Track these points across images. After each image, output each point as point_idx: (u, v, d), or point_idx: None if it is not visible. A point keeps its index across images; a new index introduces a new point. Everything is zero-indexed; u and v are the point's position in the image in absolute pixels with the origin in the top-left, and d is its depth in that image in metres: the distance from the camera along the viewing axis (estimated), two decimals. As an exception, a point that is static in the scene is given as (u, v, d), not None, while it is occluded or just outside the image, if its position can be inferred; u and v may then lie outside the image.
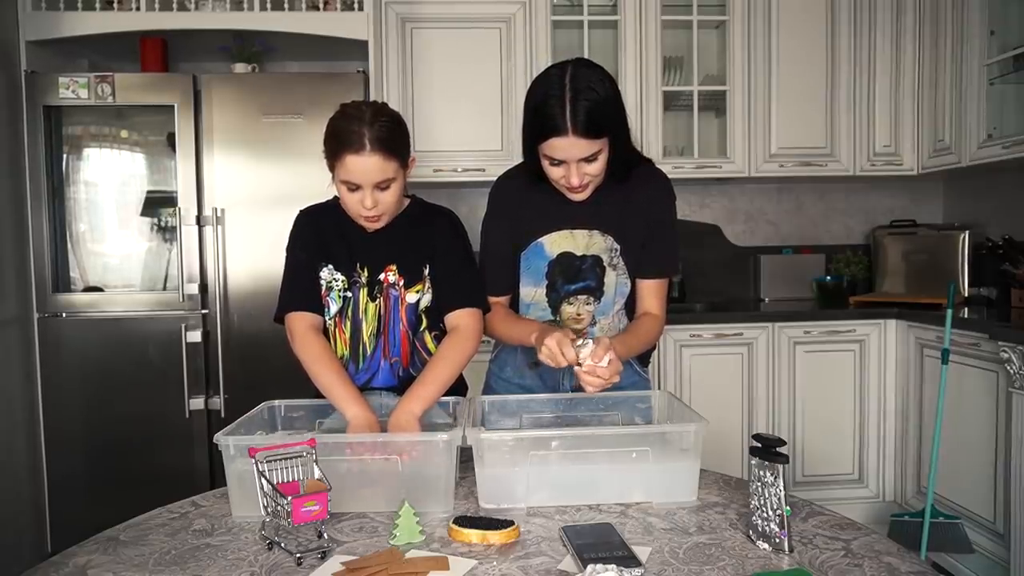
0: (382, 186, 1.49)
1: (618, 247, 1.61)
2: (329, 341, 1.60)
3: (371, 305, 1.60)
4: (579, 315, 1.64)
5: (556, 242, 1.61)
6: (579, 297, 1.63)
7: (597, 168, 1.47)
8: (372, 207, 1.49)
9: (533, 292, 1.65)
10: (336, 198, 1.65)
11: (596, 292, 1.63)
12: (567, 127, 1.39)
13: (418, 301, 1.60)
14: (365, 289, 1.59)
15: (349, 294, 1.59)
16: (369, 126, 1.45)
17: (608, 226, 1.60)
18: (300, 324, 1.57)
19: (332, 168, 1.52)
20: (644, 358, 1.75)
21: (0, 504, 2.79)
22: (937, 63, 3.28)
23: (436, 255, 1.60)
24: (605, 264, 1.61)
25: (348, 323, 1.60)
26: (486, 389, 1.76)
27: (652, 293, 1.64)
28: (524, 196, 1.62)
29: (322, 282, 1.60)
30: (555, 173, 1.49)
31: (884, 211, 3.85)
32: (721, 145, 3.52)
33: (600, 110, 1.40)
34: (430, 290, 1.61)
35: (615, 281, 1.63)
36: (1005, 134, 2.92)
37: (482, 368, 1.81)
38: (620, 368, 1.38)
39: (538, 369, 1.66)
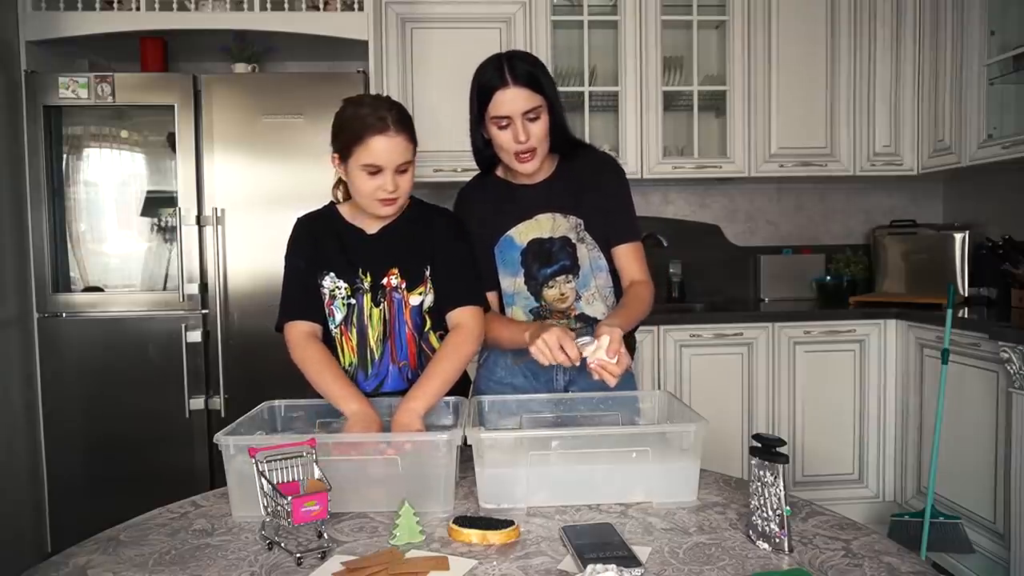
0: (401, 169, 1.53)
1: (581, 222, 1.69)
2: (336, 349, 1.61)
3: (375, 310, 1.60)
4: (563, 295, 1.69)
5: (523, 232, 1.69)
6: (558, 278, 1.69)
7: (539, 129, 1.59)
8: (394, 190, 1.52)
9: (513, 282, 1.71)
10: (331, 204, 1.66)
11: (573, 269, 1.69)
12: (507, 79, 1.56)
13: (421, 303, 1.61)
14: (368, 295, 1.60)
15: (353, 301, 1.60)
16: (389, 109, 1.52)
17: (567, 206, 1.69)
18: (297, 333, 1.58)
19: (347, 157, 1.52)
20: (630, 347, 1.75)
21: (0, 504, 2.79)
22: (937, 63, 3.28)
23: (436, 255, 1.61)
24: (574, 241, 1.69)
25: (354, 330, 1.60)
26: (475, 393, 1.76)
27: (629, 259, 1.71)
28: (486, 198, 1.72)
29: (325, 291, 1.60)
30: (504, 138, 1.59)
31: (884, 211, 3.85)
32: (721, 145, 3.52)
33: (533, 69, 1.59)
34: (432, 291, 1.61)
35: (588, 255, 1.69)
36: (1005, 134, 2.92)
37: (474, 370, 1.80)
38: (629, 363, 1.44)
39: (523, 362, 1.70)
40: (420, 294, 1.61)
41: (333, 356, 1.58)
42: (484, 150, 1.68)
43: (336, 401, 1.47)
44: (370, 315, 1.60)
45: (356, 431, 1.40)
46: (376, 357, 1.61)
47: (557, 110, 1.62)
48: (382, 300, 1.60)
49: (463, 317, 1.58)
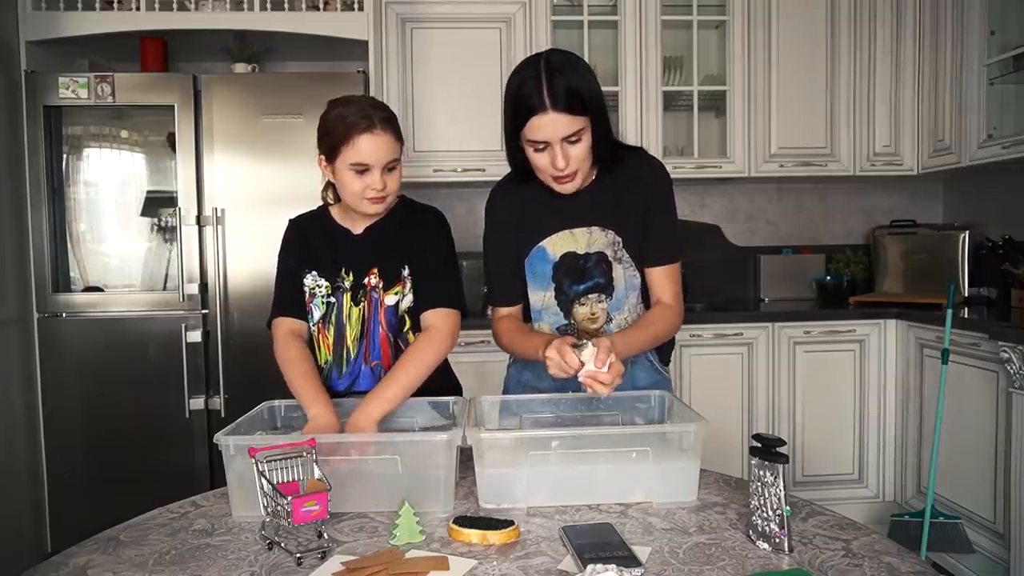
0: (389, 167, 1.53)
1: (620, 240, 1.58)
2: (313, 347, 1.62)
3: (355, 309, 1.61)
4: (593, 314, 1.60)
5: (557, 244, 1.59)
6: (590, 296, 1.60)
7: (581, 151, 1.45)
8: (383, 188, 1.52)
9: (543, 297, 1.62)
10: (324, 206, 1.66)
11: (606, 289, 1.59)
12: (545, 103, 1.39)
13: (398, 303, 1.61)
14: (348, 294, 1.61)
15: (332, 299, 1.61)
16: (374, 109, 1.52)
17: (606, 220, 1.57)
18: (281, 330, 1.60)
19: (334, 157, 1.52)
20: (664, 355, 1.71)
21: (0, 504, 2.79)
22: (937, 63, 3.28)
23: (415, 254, 1.61)
24: (610, 259, 1.58)
25: (332, 328, 1.62)
26: (505, 393, 1.73)
27: (661, 280, 1.59)
28: (519, 203, 1.61)
29: (305, 288, 1.62)
30: (540, 161, 1.47)
31: (884, 211, 3.85)
32: (721, 145, 3.52)
33: (578, 87, 1.41)
34: (411, 291, 1.61)
35: (623, 275, 1.59)
36: (1005, 134, 2.92)
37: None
38: (621, 371, 1.36)
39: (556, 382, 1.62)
40: (396, 294, 1.61)
41: (311, 356, 1.59)
42: (518, 156, 1.52)
43: (301, 401, 1.48)
44: (349, 314, 1.61)
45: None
46: (351, 356, 1.62)
47: (601, 123, 1.47)
48: (362, 300, 1.61)
49: (434, 319, 1.58)
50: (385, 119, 1.51)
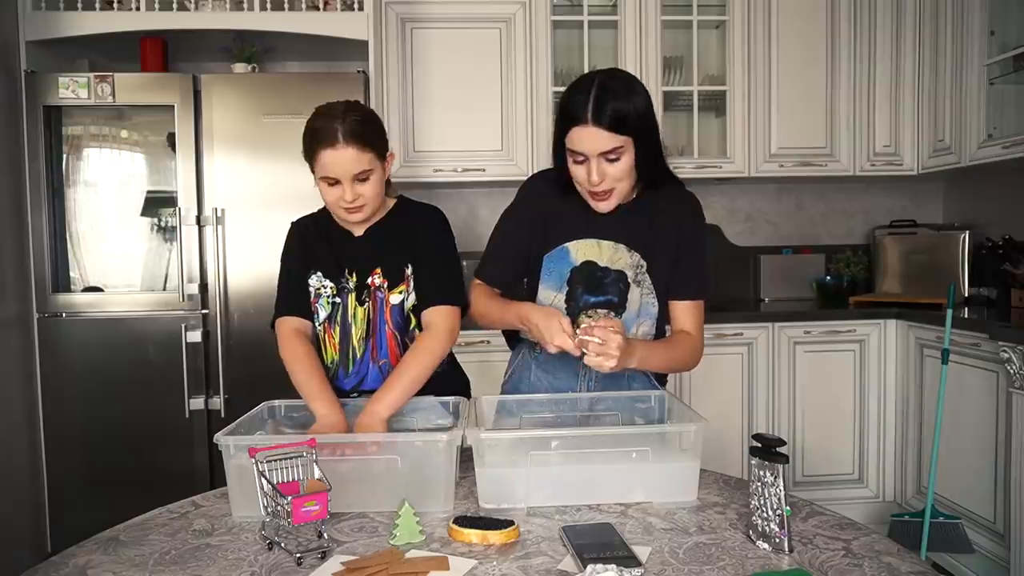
0: (360, 178, 1.52)
1: (644, 264, 1.58)
2: (320, 347, 1.63)
3: (360, 309, 1.62)
4: None
5: (581, 249, 1.59)
6: (599, 311, 1.58)
7: (619, 170, 1.45)
8: (353, 200, 1.52)
9: (553, 296, 1.61)
10: (325, 208, 1.67)
11: (618, 308, 1.58)
12: (587, 116, 1.40)
13: (403, 302, 1.62)
14: (353, 294, 1.61)
15: (338, 300, 1.62)
16: (341, 121, 1.49)
17: (635, 242, 1.57)
18: (285, 328, 1.61)
19: (312, 168, 1.54)
20: (662, 378, 1.70)
21: (0, 504, 2.79)
22: (937, 63, 3.28)
23: (416, 253, 1.62)
24: (629, 280, 1.58)
25: (337, 328, 1.63)
26: (509, 389, 1.72)
27: (684, 313, 1.60)
28: (556, 197, 1.59)
29: (311, 289, 1.62)
30: (579, 173, 1.48)
31: (884, 211, 3.85)
32: (721, 145, 3.52)
33: (623, 106, 1.41)
34: (415, 290, 1.62)
35: (639, 299, 1.59)
36: (1005, 134, 2.92)
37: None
38: (616, 325, 1.38)
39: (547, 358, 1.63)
40: (400, 293, 1.61)
41: (316, 354, 1.60)
42: (564, 165, 1.51)
43: (307, 400, 1.49)
44: (354, 314, 1.62)
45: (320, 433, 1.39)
46: (358, 355, 1.63)
47: (648, 144, 1.46)
48: (367, 300, 1.62)
49: (435, 317, 1.58)
50: (351, 131, 1.48)
